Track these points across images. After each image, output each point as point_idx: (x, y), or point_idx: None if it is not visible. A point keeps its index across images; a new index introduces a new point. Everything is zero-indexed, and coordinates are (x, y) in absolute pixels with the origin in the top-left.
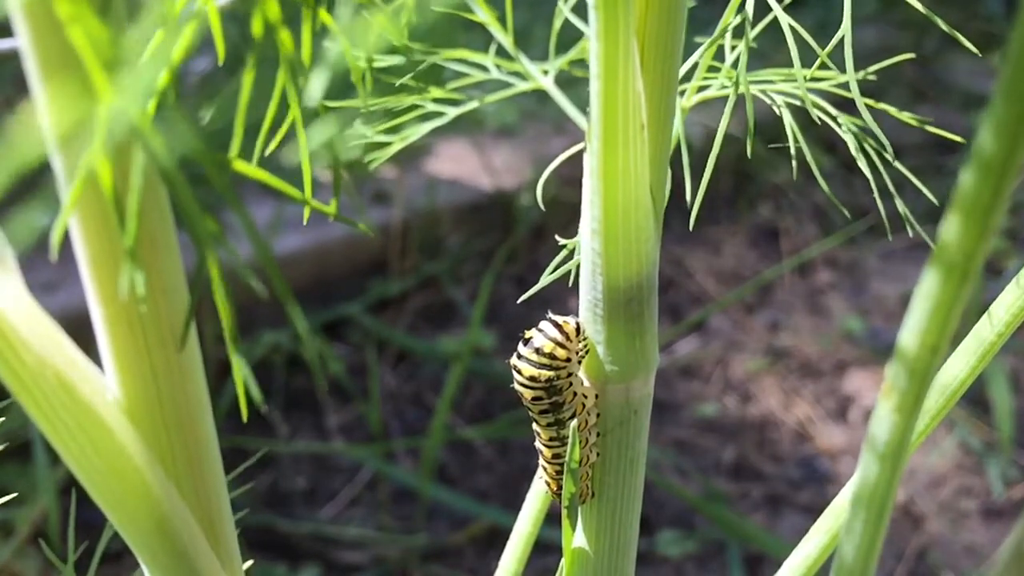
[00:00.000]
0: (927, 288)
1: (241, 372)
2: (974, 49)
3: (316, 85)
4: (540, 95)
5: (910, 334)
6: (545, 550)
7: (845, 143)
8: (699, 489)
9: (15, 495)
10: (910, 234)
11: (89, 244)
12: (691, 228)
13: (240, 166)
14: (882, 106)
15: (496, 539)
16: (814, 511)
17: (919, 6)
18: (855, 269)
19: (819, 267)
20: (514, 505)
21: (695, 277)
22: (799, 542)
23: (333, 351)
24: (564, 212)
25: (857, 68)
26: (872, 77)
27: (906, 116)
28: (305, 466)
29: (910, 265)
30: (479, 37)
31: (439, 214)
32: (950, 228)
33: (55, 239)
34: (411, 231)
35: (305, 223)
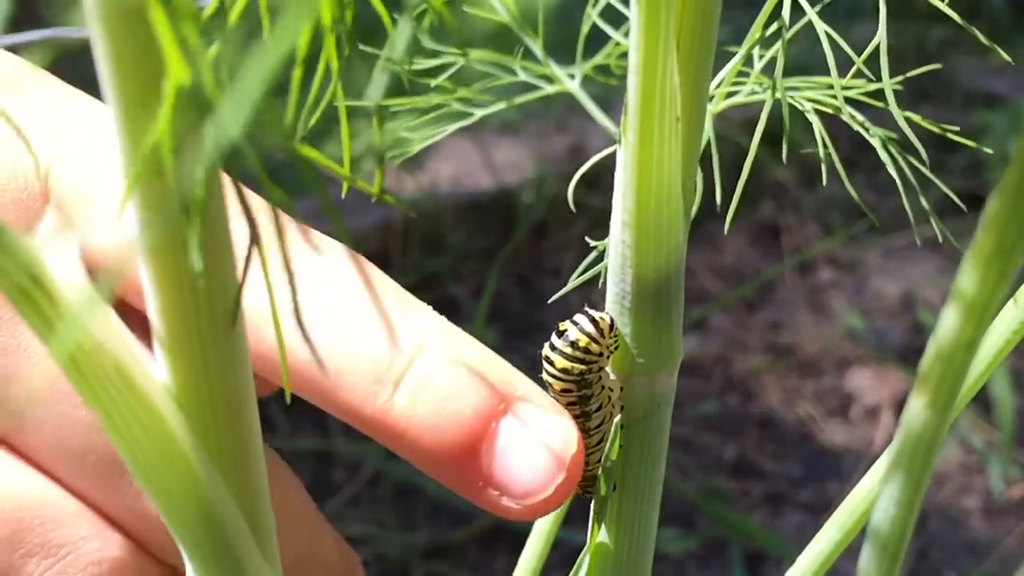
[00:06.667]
0: (964, 281)
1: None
2: (983, 40)
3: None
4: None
5: (946, 327)
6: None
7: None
8: (700, 487)
9: None
10: (937, 233)
11: (148, 227)
12: (725, 230)
13: (308, 151)
14: (907, 114)
15: (498, 536)
16: (815, 509)
17: (941, 6)
18: (857, 267)
19: (820, 265)
20: None
21: (696, 275)
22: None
23: None
24: (565, 210)
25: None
26: (899, 87)
27: (938, 127)
28: (306, 463)
29: (912, 263)
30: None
31: (440, 211)
32: (990, 220)
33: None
34: (412, 228)
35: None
